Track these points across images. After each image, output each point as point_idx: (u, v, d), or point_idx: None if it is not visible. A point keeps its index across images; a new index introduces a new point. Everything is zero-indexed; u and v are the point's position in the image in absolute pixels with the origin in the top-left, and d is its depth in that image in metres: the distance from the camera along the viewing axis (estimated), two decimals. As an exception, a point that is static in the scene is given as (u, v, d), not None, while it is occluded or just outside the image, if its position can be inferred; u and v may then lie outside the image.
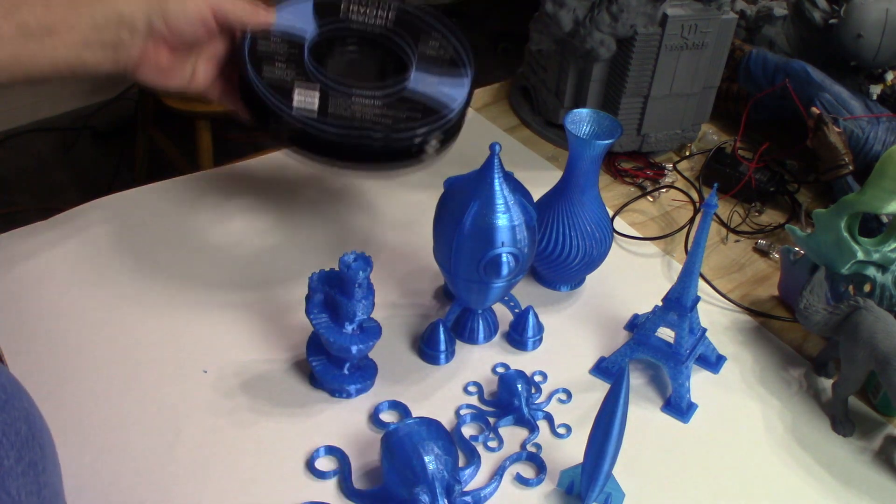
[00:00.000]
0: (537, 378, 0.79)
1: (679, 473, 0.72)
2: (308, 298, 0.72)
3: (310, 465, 0.69)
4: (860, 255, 0.80)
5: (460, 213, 0.72)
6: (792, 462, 0.74)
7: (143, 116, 2.14)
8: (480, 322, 0.81)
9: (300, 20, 0.83)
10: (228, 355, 0.78)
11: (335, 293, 0.70)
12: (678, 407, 0.77)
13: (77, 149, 2.52)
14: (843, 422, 0.77)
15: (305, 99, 0.76)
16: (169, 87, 0.79)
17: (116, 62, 0.73)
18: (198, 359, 0.77)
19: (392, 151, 0.79)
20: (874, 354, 0.72)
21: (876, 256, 0.80)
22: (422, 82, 0.82)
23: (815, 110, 0.98)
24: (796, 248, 0.87)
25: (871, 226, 0.91)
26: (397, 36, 0.86)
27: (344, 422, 0.73)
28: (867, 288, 0.82)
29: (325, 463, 0.70)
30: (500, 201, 0.71)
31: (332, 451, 0.70)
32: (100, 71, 0.73)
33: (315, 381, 0.76)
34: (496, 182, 0.71)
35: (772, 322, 0.88)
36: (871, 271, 0.81)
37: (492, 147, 0.71)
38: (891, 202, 0.77)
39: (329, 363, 0.74)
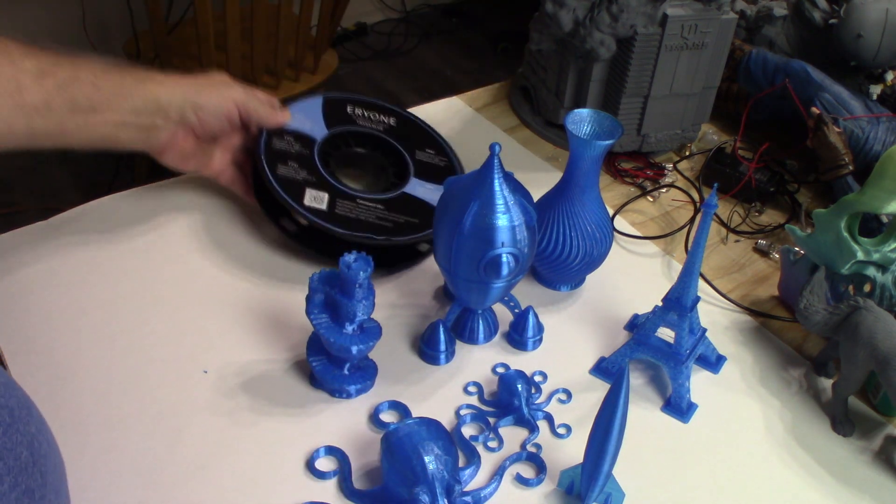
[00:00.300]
0: (537, 378, 0.79)
1: (679, 473, 0.72)
2: (308, 299, 0.72)
3: (310, 466, 0.69)
4: (860, 255, 0.80)
5: (460, 214, 0.72)
6: (792, 462, 0.74)
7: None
8: (480, 322, 0.81)
9: (311, 118, 0.93)
10: (229, 355, 0.78)
11: (335, 293, 0.70)
12: (678, 407, 0.77)
13: (77, 149, 2.52)
14: (843, 422, 0.77)
15: (315, 199, 0.84)
16: (186, 170, 0.88)
17: (146, 143, 0.82)
18: (198, 359, 0.77)
19: (390, 253, 0.86)
20: (874, 354, 0.72)
21: (876, 256, 0.80)
22: (420, 188, 0.90)
23: (815, 110, 0.98)
24: (796, 248, 0.87)
25: (871, 226, 0.91)
26: (397, 139, 0.95)
27: (344, 422, 0.73)
28: (867, 288, 0.82)
29: (325, 463, 0.70)
30: (500, 202, 0.71)
31: (332, 451, 0.70)
32: (129, 148, 0.81)
33: (315, 381, 0.76)
34: (496, 182, 0.71)
35: (772, 322, 0.88)
36: (871, 271, 0.81)
37: (492, 147, 0.71)
38: (891, 202, 0.77)
39: (329, 363, 0.74)
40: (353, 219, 0.85)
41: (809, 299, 0.79)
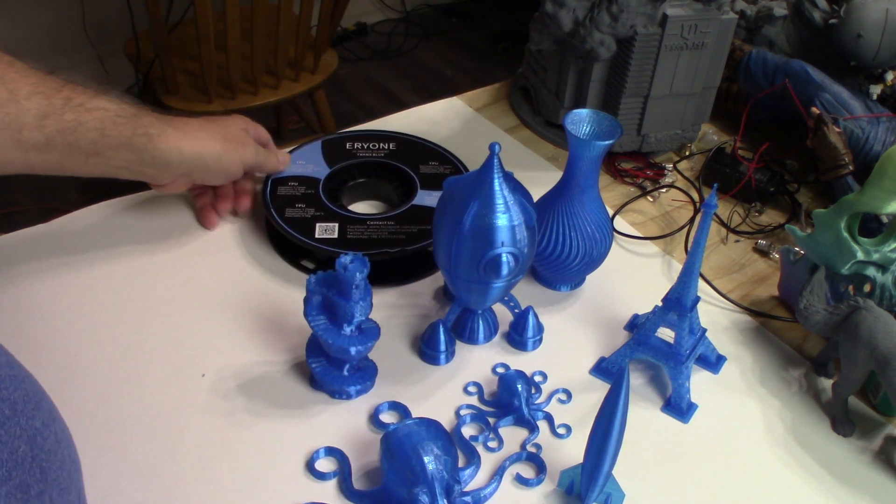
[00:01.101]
0: (537, 378, 0.79)
1: (679, 473, 0.72)
2: (306, 300, 0.72)
3: (310, 466, 0.69)
4: (860, 255, 0.80)
5: (460, 214, 0.72)
6: (792, 462, 0.74)
7: (144, 117, 2.13)
8: (480, 322, 0.81)
9: (312, 161, 0.96)
10: (229, 357, 0.78)
11: (333, 295, 0.70)
12: (678, 407, 0.77)
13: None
14: (843, 422, 0.77)
15: (326, 231, 0.86)
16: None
17: (147, 181, 0.83)
18: (198, 361, 0.77)
19: (407, 263, 0.87)
20: (874, 354, 0.72)
21: (876, 256, 0.80)
22: (428, 197, 0.92)
23: (815, 110, 0.98)
24: (796, 248, 0.87)
25: (871, 226, 0.91)
26: (399, 160, 0.97)
27: (344, 423, 0.73)
28: (867, 288, 0.82)
29: (325, 464, 0.70)
30: (499, 201, 0.71)
31: (332, 451, 0.70)
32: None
33: (315, 382, 0.76)
34: (496, 182, 0.71)
35: (772, 322, 0.88)
36: (871, 271, 0.81)
37: (491, 147, 0.71)
38: (891, 202, 0.77)
39: (329, 365, 0.74)
40: (364, 240, 0.86)
41: (809, 299, 0.79)
